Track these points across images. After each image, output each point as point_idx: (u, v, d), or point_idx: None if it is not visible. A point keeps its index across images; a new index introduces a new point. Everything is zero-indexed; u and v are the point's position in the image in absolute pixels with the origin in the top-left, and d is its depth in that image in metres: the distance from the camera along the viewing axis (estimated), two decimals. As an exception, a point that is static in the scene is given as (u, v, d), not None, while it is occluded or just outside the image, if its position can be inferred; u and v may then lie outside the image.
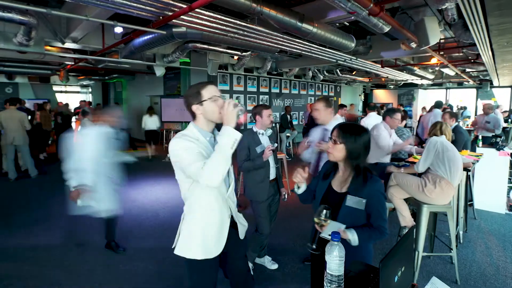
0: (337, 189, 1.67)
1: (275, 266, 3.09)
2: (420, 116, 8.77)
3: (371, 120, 5.67)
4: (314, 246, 1.56)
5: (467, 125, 8.64)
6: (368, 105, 6.07)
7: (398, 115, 3.69)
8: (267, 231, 2.89)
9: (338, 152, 1.60)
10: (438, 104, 6.84)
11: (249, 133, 2.88)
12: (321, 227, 1.52)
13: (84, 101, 10.78)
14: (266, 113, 2.86)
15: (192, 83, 8.73)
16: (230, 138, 1.52)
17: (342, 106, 7.17)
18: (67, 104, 10.22)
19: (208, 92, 1.62)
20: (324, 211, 1.51)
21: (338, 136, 1.60)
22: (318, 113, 2.89)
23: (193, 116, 1.66)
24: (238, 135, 1.53)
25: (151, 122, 8.54)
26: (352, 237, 1.51)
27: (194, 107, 1.62)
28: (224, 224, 1.72)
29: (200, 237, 1.65)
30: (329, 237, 1.40)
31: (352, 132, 1.59)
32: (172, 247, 1.72)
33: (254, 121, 2.94)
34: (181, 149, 1.55)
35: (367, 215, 1.59)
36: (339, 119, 3.45)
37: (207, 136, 1.66)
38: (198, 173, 1.50)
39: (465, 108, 13.48)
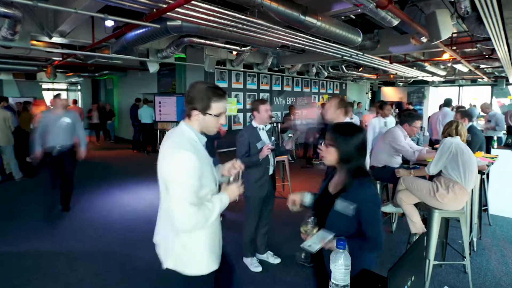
0: (332, 191, 1.68)
1: (277, 261, 3.32)
2: (429, 117, 8.78)
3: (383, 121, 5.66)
4: (302, 256, 1.59)
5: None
6: (380, 105, 6.07)
7: (418, 123, 3.70)
8: (252, 229, 3.14)
9: (330, 155, 1.61)
10: (447, 102, 6.85)
11: (249, 129, 3.08)
12: (307, 236, 1.53)
13: (66, 99, 10.65)
14: (264, 108, 3.02)
15: (188, 80, 8.75)
16: (224, 206, 1.63)
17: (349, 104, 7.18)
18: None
19: (218, 107, 1.59)
20: (311, 218, 1.53)
21: (330, 139, 1.61)
22: (328, 109, 2.98)
23: (188, 116, 1.61)
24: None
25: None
26: None
27: (195, 112, 1.57)
28: (220, 229, 1.76)
29: (209, 249, 1.63)
30: (309, 248, 1.45)
31: (343, 133, 1.59)
32: (165, 267, 1.64)
33: (252, 117, 3.11)
34: (183, 171, 1.46)
35: (359, 222, 1.56)
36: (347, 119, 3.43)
37: (203, 141, 1.64)
38: (184, 218, 1.46)
39: (474, 106, 13.40)
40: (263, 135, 3.06)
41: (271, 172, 3.15)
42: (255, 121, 3.08)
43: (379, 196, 1.61)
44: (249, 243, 3.20)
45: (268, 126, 3.15)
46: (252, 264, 3.20)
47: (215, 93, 1.58)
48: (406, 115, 3.78)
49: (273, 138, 3.13)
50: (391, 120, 5.39)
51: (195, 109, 1.57)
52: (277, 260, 3.32)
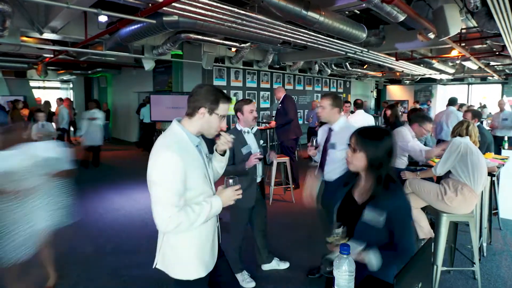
0: (358, 199, 1.63)
1: (286, 265, 3.30)
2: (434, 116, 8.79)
3: (359, 119, 5.70)
4: (327, 268, 1.49)
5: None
6: (355, 102, 6.12)
7: (429, 126, 3.68)
8: (238, 242, 2.99)
9: (358, 161, 1.56)
10: (452, 101, 6.85)
11: (232, 132, 2.90)
12: (334, 247, 1.47)
13: (61, 99, 10.49)
14: (248, 109, 2.90)
15: (185, 78, 8.75)
16: (216, 212, 1.63)
17: (346, 102, 7.23)
18: (47, 102, 9.92)
19: (224, 109, 1.66)
20: (339, 229, 1.46)
21: (356, 143, 1.56)
22: (322, 111, 2.92)
23: (191, 115, 1.63)
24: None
25: None
26: (369, 261, 1.44)
27: (202, 111, 1.61)
28: (215, 232, 1.76)
29: (197, 254, 1.64)
30: None
31: (372, 137, 1.56)
32: (154, 266, 1.68)
33: (237, 118, 3.00)
34: (165, 172, 1.49)
35: (390, 233, 1.52)
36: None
37: (195, 142, 1.65)
38: (163, 218, 1.48)
39: (484, 106, 13.37)
40: (250, 139, 2.94)
41: (259, 180, 3.04)
42: (240, 124, 2.96)
43: (411, 205, 1.58)
44: (237, 257, 3.03)
45: (255, 129, 3.03)
46: (244, 280, 3.04)
47: (223, 95, 1.67)
48: (418, 115, 3.76)
49: (261, 141, 3.01)
50: None
51: (203, 108, 1.61)
52: (286, 265, 3.30)
